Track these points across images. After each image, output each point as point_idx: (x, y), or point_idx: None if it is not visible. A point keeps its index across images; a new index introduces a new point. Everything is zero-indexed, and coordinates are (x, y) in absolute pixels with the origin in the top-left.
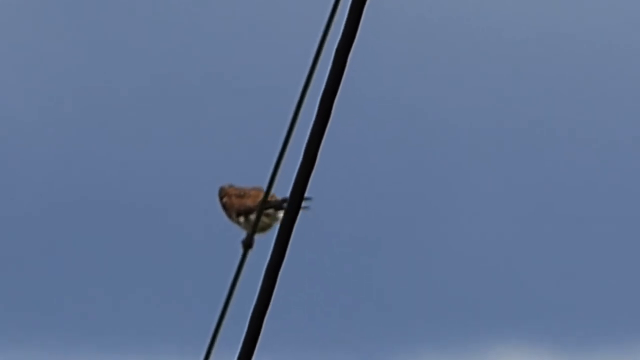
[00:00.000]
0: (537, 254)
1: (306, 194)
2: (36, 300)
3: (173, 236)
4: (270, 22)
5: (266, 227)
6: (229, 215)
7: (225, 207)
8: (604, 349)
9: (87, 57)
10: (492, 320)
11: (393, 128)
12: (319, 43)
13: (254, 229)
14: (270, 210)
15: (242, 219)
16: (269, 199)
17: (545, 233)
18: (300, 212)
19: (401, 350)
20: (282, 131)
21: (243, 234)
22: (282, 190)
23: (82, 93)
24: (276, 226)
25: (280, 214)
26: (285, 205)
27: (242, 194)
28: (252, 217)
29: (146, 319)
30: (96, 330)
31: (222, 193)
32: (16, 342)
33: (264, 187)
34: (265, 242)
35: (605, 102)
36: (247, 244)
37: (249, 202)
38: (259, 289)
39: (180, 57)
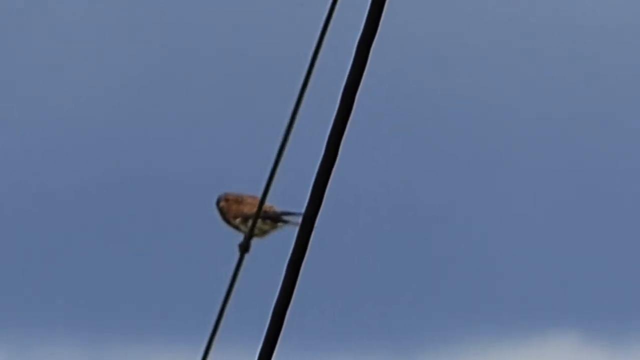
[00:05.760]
0: (595, 244)
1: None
2: (33, 296)
3: (171, 239)
4: (269, 18)
5: (265, 233)
6: (226, 220)
7: (222, 211)
8: None
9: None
10: (545, 311)
11: (421, 119)
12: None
13: (250, 235)
14: (268, 220)
15: (240, 222)
16: (268, 209)
17: (599, 223)
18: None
19: (441, 348)
20: (278, 137)
21: (240, 237)
22: (283, 196)
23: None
24: (276, 232)
25: (279, 225)
26: (283, 218)
27: (239, 200)
28: (250, 221)
29: (143, 319)
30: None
31: (219, 199)
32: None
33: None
34: (269, 244)
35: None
36: (244, 248)
37: (246, 210)
38: (280, 285)
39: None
